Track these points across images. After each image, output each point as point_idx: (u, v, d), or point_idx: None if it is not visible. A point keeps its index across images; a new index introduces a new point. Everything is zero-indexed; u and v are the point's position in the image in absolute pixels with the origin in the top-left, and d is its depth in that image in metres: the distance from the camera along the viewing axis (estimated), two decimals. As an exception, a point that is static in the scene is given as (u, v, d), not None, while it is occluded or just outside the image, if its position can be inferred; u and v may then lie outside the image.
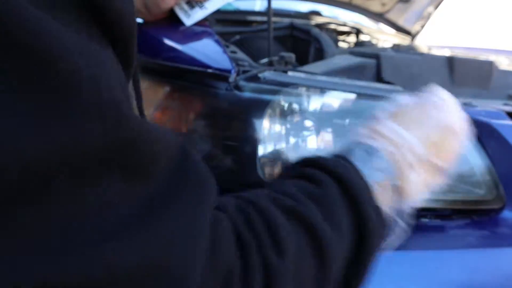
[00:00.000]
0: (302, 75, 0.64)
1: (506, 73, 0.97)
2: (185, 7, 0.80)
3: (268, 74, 0.60)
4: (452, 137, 0.45)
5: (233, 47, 0.80)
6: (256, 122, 0.59)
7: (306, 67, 0.83)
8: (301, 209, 0.33)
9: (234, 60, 0.66)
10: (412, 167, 0.42)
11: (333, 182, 0.37)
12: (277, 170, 0.60)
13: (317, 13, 1.59)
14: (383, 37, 1.65)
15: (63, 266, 0.20)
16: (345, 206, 0.36)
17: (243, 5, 1.54)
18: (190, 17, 0.79)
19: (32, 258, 0.19)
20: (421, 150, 0.42)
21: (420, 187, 0.43)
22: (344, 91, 0.61)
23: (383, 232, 0.40)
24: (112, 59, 0.23)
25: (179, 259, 0.24)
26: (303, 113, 0.61)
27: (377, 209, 0.39)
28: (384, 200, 0.40)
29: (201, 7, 0.79)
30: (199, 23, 0.80)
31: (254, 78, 0.60)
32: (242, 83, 0.60)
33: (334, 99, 0.61)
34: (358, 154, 0.41)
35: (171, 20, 0.82)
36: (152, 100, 0.69)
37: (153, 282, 0.23)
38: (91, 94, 0.20)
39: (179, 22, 0.80)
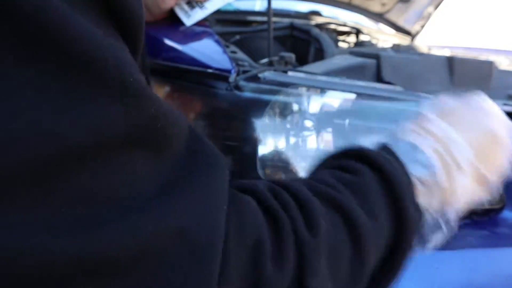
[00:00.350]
0: (302, 75, 0.64)
1: (506, 73, 0.97)
2: (185, 7, 0.80)
3: (268, 74, 0.60)
4: (499, 146, 0.44)
5: (233, 47, 0.80)
6: (256, 122, 0.59)
7: (306, 67, 0.83)
8: (335, 195, 0.33)
9: (234, 60, 0.66)
10: (460, 168, 0.40)
11: (372, 172, 0.36)
12: (277, 170, 0.60)
13: (317, 13, 1.59)
14: (383, 37, 1.65)
15: (98, 237, 0.21)
16: (384, 197, 0.36)
17: (243, 5, 1.54)
18: (190, 17, 0.79)
19: (69, 229, 0.21)
20: (469, 154, 0.41)
21: (467, 192, 0.42)
22: (344, 91, 0.61)
23: (420, 230, 0.39)
24: (127, 50, 0.25)
25: (205, 226, 0.25)
26: (303, 113, 0.61)
27: (416, 206, 0.38)
28: (426, 198, 0.39)
29: (201, 7, 0.79)
30: (199, 23, 0.81)
31: (254, 78, 0.60)
32: (242, 83, 0.60)
33: (334, 99, 0.61)
34: (403, 147, 0.40)
35: (171, 20, 0.82)
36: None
37: (181, 248, 0.24)
38: (117, 79, 0.22)
39: (179, 22, 0.80)
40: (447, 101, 0.46)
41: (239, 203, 0.29)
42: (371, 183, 0.36)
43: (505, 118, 0.46)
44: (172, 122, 0.26)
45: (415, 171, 0.39)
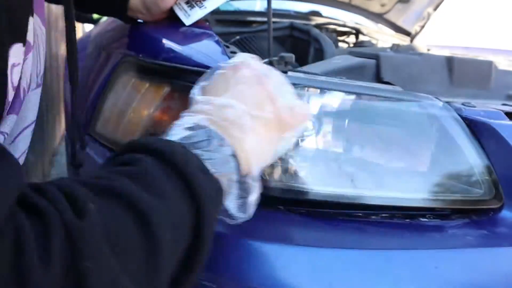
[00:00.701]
0: (302, 75, 0.64)
1: (505, 73, 0.97)
2: (185, 7, 0.80)
3: (268, 74, 0.60)
4: (261, 83, 0.46)
5: (233, 48, 0.81)
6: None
7: (306, 67, 0.83)
8: (110, 184, 0.33)
9: (234, 60, 0.66)
10: (236, 124, 0.42)
11: (150, 157, 0.37)
12: (277, 170, 0.60)
13: (317, 14, 1.59)
14: (383, 37, 1.65)
15: None
16: (168, 176, 0.36)
17: (243, 6, 1.54)
18: (190, 17, 0.79)
19: None
20: (239, 108, 0.43)
21: (262, 147, 0.44)
22: (344, 91, 0.62)
23: (220, 198, 0.40)
24: None
25: None
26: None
27: (208, 175, 0.39)
28: (221, 167, 0.40)
29: (200, 6, 0.79)
30: (199, 23, 0.81)
31: (254, 78, 0.60)
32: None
33: (334, 99, 0.62)
34: (176, 131, 0.42)
35: (171, 21, 0.82)
36: (152, 100, 0.69)
37: None
38: None
39: (179, 22, 0.80)
40: (206, 77, 0.49)
41: None
42: (152, 167, 0.36)
43: (255, 62, 0.49)
44: None
45: (197, 146, 0.40)
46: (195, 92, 0.48)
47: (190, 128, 0.42)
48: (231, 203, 0.44)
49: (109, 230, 0.31)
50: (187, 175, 0.36)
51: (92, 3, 0.84)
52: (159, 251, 0.33)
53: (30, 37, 0.39)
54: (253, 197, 0.45)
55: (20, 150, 0.49)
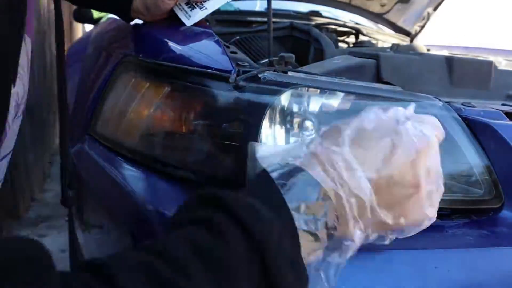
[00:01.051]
0: (302, 75, 0.64)
1: (505, 73, 0.97)
2: (185, 7, 0.80)
3: (268, 74, 0.60)
4: (390, 150, 0.38)
5: (233, 48, 0.81)
6: (256, 122, 0.59)
7: (306, 67, 0.83)
8: (180, 284, 0.27)
9: (234, 61, 0.66)
10: (355, 219, 0.36)
11: (238, 231, 0.30)
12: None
13: (317, 14, 1.59)
14: (383, 37, 1.65)
15: None
16: (250, 264, 0.30)
17: (243, 6, 1.54)
18: (191, 18, 0.79)
19: None
20: (370, 197, 0.36)
21: (360, 241, 0.37)
22: (344, 91, 0.62)
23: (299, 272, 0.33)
24: None
25: None
26: (303, 113, 0.61)
27: (296, 266, 0.33)
28: (308, 247, 0.35)
29: (201, 7, 0.79)
30: (199, 24, 0.81)
31: (254, 78, 0.60)
32: (242, 83, 0.60)
33: (334, 99, 0.62)
34: (293, 182, 0.35)
35: (171, 21, 0.82)
36: (152, 100, 0.69)
37: None
38: None
39: (180, 23, 0.80)
40: (366, 120, 0.40)
41: None
42: (235, 249, 0.30)
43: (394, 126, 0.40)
44: None
45: (300, 218, 0.34)
46: (347, 137, 0.39)
47: (308, 183, 0.35)
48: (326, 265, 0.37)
49: None
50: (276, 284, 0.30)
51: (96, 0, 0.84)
52: None
53: (20, 69, 0.37)
54: (342, 259, 0.38)
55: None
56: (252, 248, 0.30)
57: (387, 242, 0.41)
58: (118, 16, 0.87)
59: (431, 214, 0.41)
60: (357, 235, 0.37)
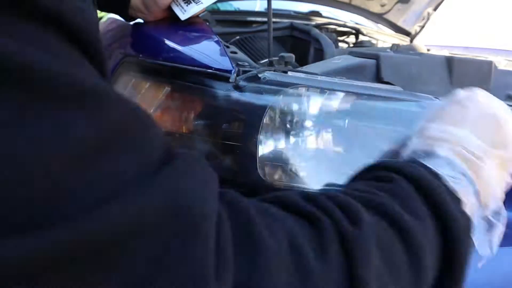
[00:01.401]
0: (302, 75, 0.64)
1: (505, 73, 0.97)
2: (182, 3, 0.81)
3: (268, 74, 0.60)
4: (499, 123, 0.44)
5: (233, 48, 0.81)
6: (256, 122, 0.59)
7: (306, 67, 0.83)
8: (374, 197, 0.33)
9: (234, 61, 0.66)
10: (480, 159, 0.41)
11: (406, 181, 0.36)
12: (277, 170, 0.60)
13: (317, 14, 1.59)
14: (383, 37, 1.65)
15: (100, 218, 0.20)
16: (424, 205, 0.35)
17: (243, 6, 1.54)
18: (186, 13, 0.80)
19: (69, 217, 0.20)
20: (480, 143, 0.41)
21: (497, 180, 0.42)
22: (344, 91, 0.62)
23: (470, 229, 0.38)
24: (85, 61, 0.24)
25: (197, 199, 0.24)
26: (303, 113, 0.61)
27: (462, 212, 0.37)
28: (467, 200, 0.38)
29: (197, 2, 0.80)
30: (199, 24, 0.81)
31: (254, 78, 0.60)
32: (242, 83, 0.60)
33: (334, 99, 0.62)
34: (424, 158, 0.40)
35: (171, 21, 0.82)
36: (152, 100, 0.69)
37: (175, 221, 0.23)
38: (75, 89, 0.21)
39: (179, 22, 0.80)
40: (435, 105, 0.47)
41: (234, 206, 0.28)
42: (409, 189, 0.35)
43: (491, 97, 0.47)
44: (147, 124, 0.25)
45: (446, 176, 0.38)
46: (427, 121, 0.45)
47: (433, 155, 0.40)
48: (475, 238, 0.41)
49: (382, 243, 0.30)
50: (440, 205, 0.35)
51: None
52: (423, 276, 0.32)
53: None
54: (496, 233, 0.43)
55: None
56: (420, 191, 0.35)
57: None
58: (117, 14, 0.87)
59: None
60: (487, 172, 0.41)
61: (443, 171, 0.38)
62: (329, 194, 0.32)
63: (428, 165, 0.39)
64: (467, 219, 0.38)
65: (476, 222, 0.40)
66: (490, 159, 0.42)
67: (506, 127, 0.45)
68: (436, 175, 0.38)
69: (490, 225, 0.42)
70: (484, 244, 0.42)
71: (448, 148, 0.41)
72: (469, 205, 0.39)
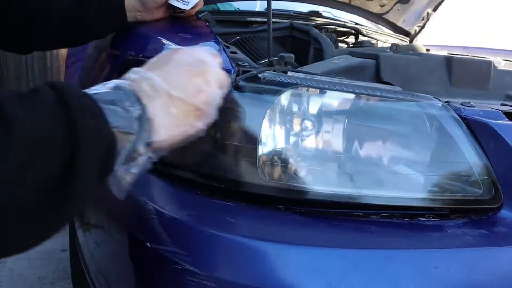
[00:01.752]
0: (302, 75, 0.64)
1: (504, 73, 0.97)
2: None
3: (268, 74, 0.60)
4: (192, 74, 0.51)
5: (233, 48, 0.81)
6: (256, 122, 0.59)
7: (306, 67, 0.83)
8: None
9: (234, 61, 0.66)
10: (150, 97, 0.46)
11: (53, 91, 0.40)
12: (277, 170, 0.61)
13: (317, 14, 1.59)
14: (382, 37, 1.65)
15: None
16: (55, 110, 0.38)
17: (243, 6, 1.54)
18: (190, 3, 0.80)
19: None
20: (159, 83, 0.47)
21: (171, 121, 0.48)
22: (344, 91, 0.62)
23: (107, 146, 0.42)
24: None
25: None
26: (303, 113, 0.61)
27: (99, 122, 0.41)
28: (123, 124, 0.43)
29: None
30: (199, 24, 0.81)
31: (254, 78, 0.60)
32: (242, 83, 0.60)
33: (334, 99, 0.62)
34: (96, 87, 0.45)
35: (171, 21, 0.82)
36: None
37: None
38: None
39: (179, 22, 0.80)
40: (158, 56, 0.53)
41: None
42: (44, 96, 0.39)
43: (203, 54, 0.53)
44: None
45: (108, 100, 0.43)
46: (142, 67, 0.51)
47: (108, 87, 0.45)
48: (121, 168, 0.45)
49: None
50: (73, 115, 0.38)
51: (94, 20, 0.82)
52: (11, 128, 0.35)
53: None
54: (135, 168, 0.46)
55: None
56: (59, 101, 0.39)
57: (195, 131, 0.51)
58: (116, 27, 0.85)
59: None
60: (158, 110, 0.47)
61: (106, 101, 0.43)
62: None
63: (93, 94, 0.44)
64: (103, 134, 0.42)
65: (125, 150, 0.44)
66: (171, 103, 0.48)
67: (198, 75, 0.51)
68: (88, 97, 0.42)
69: (136, 159, 0.46)
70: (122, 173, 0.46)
71: (129, 84, 0.46)
72: (121, 131, 0.43)
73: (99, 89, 0.45)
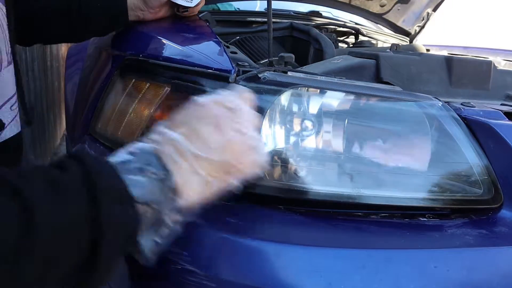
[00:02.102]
0: (302, 75, 0.64)
1: (504, 73, 0.97)
2: None
3: (268, 74, 0.60)
4: (219, 126, 0.47)
5: (233, 48, 0.81)
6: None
7: (306, 67, 0.83)
8: (13, 181, 0.35)
9: (234, 61, 0.66)
10: (175, 162, 0.44)
11: (80, 168, 0.39)
12: (277, 170, 0.61)
13: (317, 14, 1.59)
14: (382, 37, 1.65)
15: None
16: (82, 187, 0.37)
17: (243, 6, 1.55)
18: (193, 1, 0.80)
19: None
20: (184, 145, 0.45)
21: (199, 183, 0.45)
22: (344, 91, 0.62)
23: (129, 224, 0.40)
24: None
25: None
26: (303, 113, 0.61)
27: (125, 206, 0.39)
28: (149, 195, 0.41)
29: None
30: (199, 24, 0.81)
31: (254, 78, 0.60)
32: (242, 83, 0.60)
33: (334, 99, 0.62)
34: (119, 153, 0.44)
35: (172, 21, 0.82)
36: (152, 100, 0.69)
37: None
38: None
39: (179, 22, 0.80)
40: (182, 109, 0.49)
41: None
42: (73, 178, 0.38)
43: (224, 103, 0.49)
44: None
45: (131, 171, 0.41)
46: (163, 122, 0.48)
47: (131, 153, 0.43)
48: (147, 239, 0.43)
49: None
50: (99, 202, 0.37)
51: (95, 20, 0.82)
52: (34, 228, 0.33)
53: None
54: (161, 237, 0.44)
55: (5, 120, 0.55)
56: (86, 179, 0.38)
57: (235, 184, 0.48)
58: (118, 24, 0.85)
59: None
60: (185, 174, 0.44)
61: (130, 171, 0.41)
62: None
63: (114, 160, 0.42)
64: (128, 219, 0.40)
65: (155, 220, 0.42)
66: (198, 164, 0.45)
67: (226, 131, 0.47)
68: (114, 172, 0.40)
69: (159, 222, 0.43)
70: (155, 244, 0.44)
71: (153, 148, 0.44)
72: (148, 202, 0.41)
73: (125, 156, 0.43)
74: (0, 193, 0.34)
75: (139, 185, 0.41)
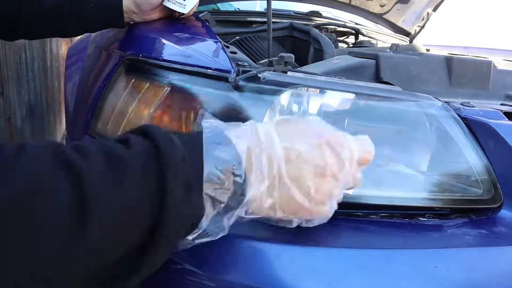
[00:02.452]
0: (301, 75, 0.64)
1: (504, 73, 0.97)
2: None
3: (268, 74, 0.60)
4: (316, 170, 0.43)
5: (233, 48, 0.81)
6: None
7: (306, 67, 0.83)
8: (75, 160, 0.33)
9: (234, 61, 0.66)
10: (262, 177, 0.40)
11: (148, 149, 0.36)
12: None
13: (317, 14, 1.59)
14: (382, 37, 1.65)
15: None
16: (147, 171, 0.35)
17: (243, 6, 1.55)
18: (186, 6, 0.80)
19: None
20: (279, 164, 0.41)
21: (266, 200, 0.42)
22: (344, 91, 0.62)
23: (190, 213, 0.38)
24: None
25: None
26: (303, 113, 0.61)
27: (190, 187, 0.37)
28: (217, 189, 0.39)
29: None
30: (199, 23, 0.81)
31: (254, 78, 0.60)
32: (242, 83, 0.60)
33: (334, 99, 0.62)
34: (208, 136, 0.40)
35: (171, 21, 0.82)
36: (152, 100, 0.69)
37: None
38: None
39: (179, 22, 0.80)
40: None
41: None
42: (137, 156, 0.35)
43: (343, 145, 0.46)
44: None
45: (211, 160, 0.38)
46: (274, 119, 0.45)
47: (218, 142, 0.40)
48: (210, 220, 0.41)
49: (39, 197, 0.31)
50: (165, 191, 0.35)
51: (88, 19, 0.82)
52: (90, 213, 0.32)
53: None
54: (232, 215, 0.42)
55: None
56: (151, 154, 0.36)
57: (293, 225, 0.46)
58: (112, 25, 0.86)
59: (328, 210, 0.46)
60: (257, 190, 0.40)
61: (212, 156, 0.38)
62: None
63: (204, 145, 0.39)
64: (192, 202, 0.38)
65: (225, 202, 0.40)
66: (279, 187, 0.42)
67: (315, 176, 0.43)
68: (183, 151, 0.37)
69: (218, 222, 0.41)
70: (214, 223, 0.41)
71: (249, 145, 0.41)
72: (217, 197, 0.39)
73: (217, 139, 0.39)
74: (57, 175, 0.32)
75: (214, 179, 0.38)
